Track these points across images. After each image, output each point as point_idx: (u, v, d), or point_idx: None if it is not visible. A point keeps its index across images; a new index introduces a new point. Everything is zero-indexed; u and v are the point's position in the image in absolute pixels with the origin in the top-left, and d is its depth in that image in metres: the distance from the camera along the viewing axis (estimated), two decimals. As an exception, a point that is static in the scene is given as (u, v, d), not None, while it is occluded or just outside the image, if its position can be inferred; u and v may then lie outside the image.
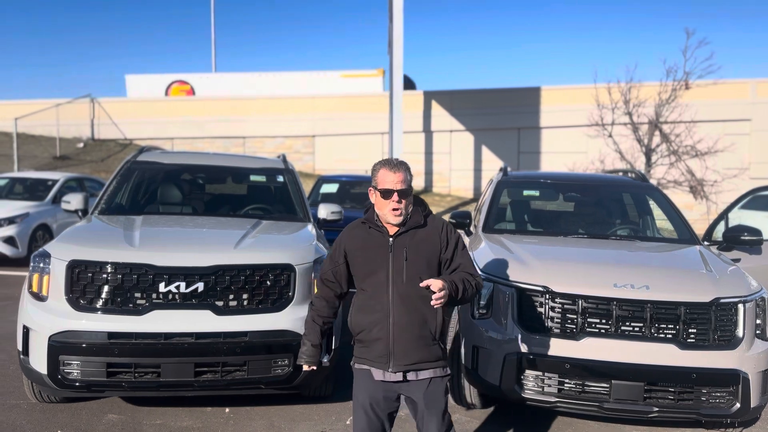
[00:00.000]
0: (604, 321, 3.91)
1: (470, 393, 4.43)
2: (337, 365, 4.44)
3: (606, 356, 3.84)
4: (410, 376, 2.85)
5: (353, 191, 11.44)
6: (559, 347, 3.90)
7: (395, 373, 2.84)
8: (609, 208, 5.99)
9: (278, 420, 4.30)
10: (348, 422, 4.30)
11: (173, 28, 63.63)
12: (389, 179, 2.82)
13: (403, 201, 2.82)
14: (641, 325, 3.88)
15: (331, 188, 11.30)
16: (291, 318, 4.09)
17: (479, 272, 2.87)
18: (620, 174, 7.36)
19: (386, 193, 2.82)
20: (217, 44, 31.18)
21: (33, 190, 11.38)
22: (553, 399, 3.92)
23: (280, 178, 6.23)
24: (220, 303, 4.02)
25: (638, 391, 3.82)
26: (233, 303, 4.05)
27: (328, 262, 3.02)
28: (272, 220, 5.39)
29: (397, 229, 2.87)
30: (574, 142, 20.61)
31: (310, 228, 5.21)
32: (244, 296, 4.07)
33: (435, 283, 2.69)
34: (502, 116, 21.83)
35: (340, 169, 20.19)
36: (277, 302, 4.13)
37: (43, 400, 4.31)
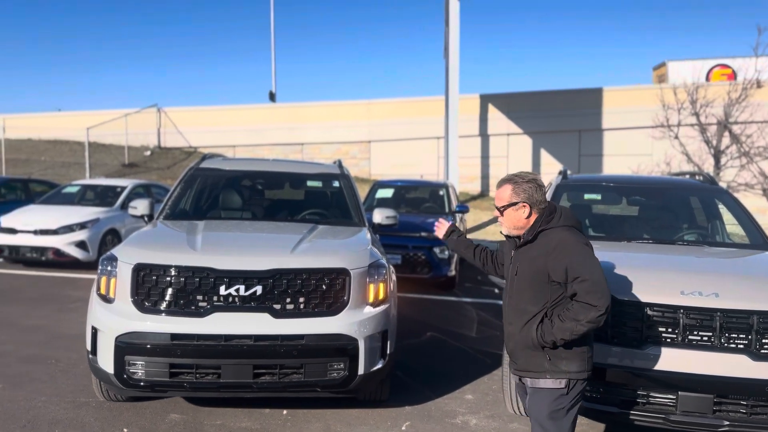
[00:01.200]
0: (670, 330, 3.75)
1: (517, 402, 4.33)
2: (392, 370, 4.42)
3: (672, 366, 3.68)
4: (526, 381, 2.96)
5: (408, 196, 11.44)
6: (621, 356, 3.76)
7: (515, 375, 3.03)
8: (675, 212, 5.75)
9: (334, 423, 4.33)
10: (404, 428, 4.28)
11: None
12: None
13: (504, 215, 3.00)
14: (710, 334, 3.70)
15: (386, 193, 11.34)
16: (346, 322, 4.10)
17: (602, 295, 2.73)
18: (687, 177, 7.04)
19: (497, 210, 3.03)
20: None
21: (103, 196, 11.87)
22: (615, 410, 3.79)
23: (336, 184, 6.30)
24: (277, 306, 4.07)
25: (707, 404, 3.64)
26: (290, 306, 4.10)
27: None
28: (328, 224, 5.44)
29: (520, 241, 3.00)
30: (638, 144, 20.00)
31: (366, 233, 5.23)
32: (301, 300, 4.11)
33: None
34: (562, 118, 21.41)
35: (396, 174, 20.24)
36: (333, 306, 4.15)
37: (110, 398, 4.48)
